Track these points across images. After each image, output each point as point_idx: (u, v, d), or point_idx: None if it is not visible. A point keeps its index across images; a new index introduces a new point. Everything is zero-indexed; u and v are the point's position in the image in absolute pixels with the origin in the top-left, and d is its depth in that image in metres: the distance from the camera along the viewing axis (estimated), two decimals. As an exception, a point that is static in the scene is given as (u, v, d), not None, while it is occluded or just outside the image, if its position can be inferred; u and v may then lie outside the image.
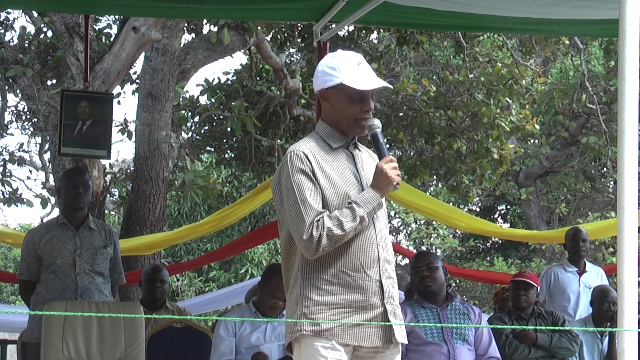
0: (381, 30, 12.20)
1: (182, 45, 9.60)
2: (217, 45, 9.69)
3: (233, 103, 10.32)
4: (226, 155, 12.25)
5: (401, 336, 3.37)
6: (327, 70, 3.39)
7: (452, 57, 13.61)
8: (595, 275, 7.39)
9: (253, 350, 5.20)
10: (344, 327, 3.27)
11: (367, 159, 3.49)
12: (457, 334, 5.12)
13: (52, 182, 12.14)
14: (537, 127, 12.29)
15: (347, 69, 3.36)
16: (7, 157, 11.90)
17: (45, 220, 14.64)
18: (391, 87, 3.44)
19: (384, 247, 3.37)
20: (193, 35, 10.72)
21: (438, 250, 19.63)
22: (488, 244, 21.13)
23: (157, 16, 7.07)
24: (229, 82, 11.43)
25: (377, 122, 3.38)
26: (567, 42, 12.61)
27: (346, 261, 3.30)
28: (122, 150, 64.07)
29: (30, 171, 16.40)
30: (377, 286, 3.32)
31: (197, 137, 11.84)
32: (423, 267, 5.20)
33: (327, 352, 3.27)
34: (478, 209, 20.65)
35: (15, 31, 10.28)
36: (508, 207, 20.46)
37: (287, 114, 11.07)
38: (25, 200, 11.82)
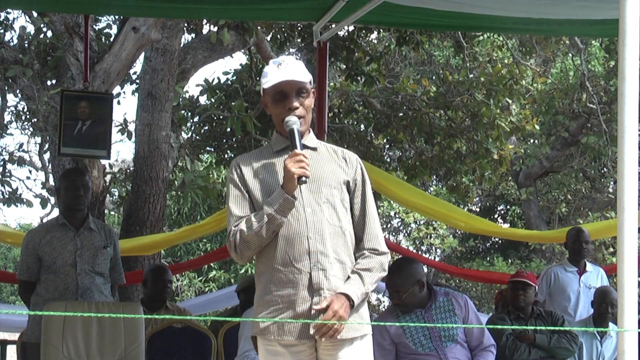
0: (381, 30, 12.20)
1: (182, 45, 9.59)
2: (217, 45, 9.69)
3: (233, 103, 10.31)
4: (226, 155, 12.24)
5: (314, 330, 3.31)
6: (261, 80, 3.50)
7: (452, 57, 13.61)
8: (595, 276, 7.39)
9: None
10: (279, 324, 3.31)
11: (320, 157, 3.49)
12: (445, 336, 5.02)
13: (52, 182, 12.13)
14: (537, 127, 12.30)
15: (269, 73, 3.43)
16: (7, 157, 11.88)
17: (45, 220, 14.64)
18: (300, 80, 3.42)
19: (318, 240, 3.35)
20: (193, 35, 10.71)
21: (438, 250, 19.62)
22: (488, 244, 21.13)
23: (157, 16, 7.06)
24: (229, 82, 11.43)
25: (293, 119, 3.40)
26: (567, 42, 12.62)
27: (277, 257, 3.35)
28: (122, 150, 64.08)
29: (30, 171, 16.42)
30: (307, 279, 3.32)
31: (197, 137, 11.83)
32: (394, 294, 5.01)
33: (268, 355, 3.37)
34: (478, 209, 20.64)
35: (15, 31, 10.27)
36: (508, 207, 20.46)
37: (287, 114, 11.04)
38: (25, 200, 11.81)
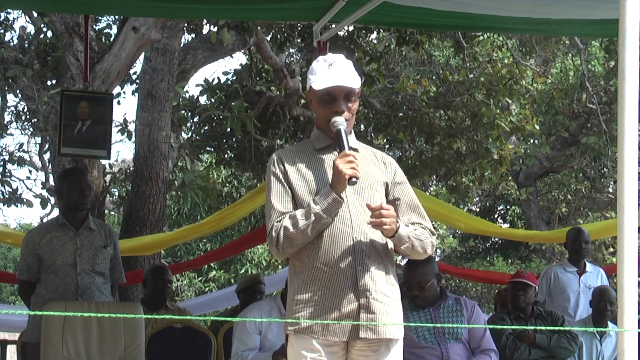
0: (381, 30, 12.20)
1: (182, 45, 9.59)
2: (217, 45, 9.69)
3: (233, 103, 10.31)
4: (226, 156, 12.24)
5: (369, 331, 3.30)
6: (308, 75, 3.47)
7: (452, 57, 13.61)
8: (595, 276, 7.39)
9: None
10: (323, 323, 3.28)
11: (362, 158, 3.46)
12: (449, 333, 5.11)
13: (52, 182, 12.14)
14: (537, 127, 12.30)
15: (319, 72, 3.40)
16: (7, 157, 11.88)
17: (45, 220, 14.63)
18: (350, 85, 3.41)
19: (363, 241, 3.33)
20: (193, 35, 10.71)
21: (438, 250, 19.61)
22: (488, 244, 21.13)
23: (157, 16, 7.06)
24: (229, 82, 11.43)
25: (340, 120, 3.38)
26: (567, 42, 12.62)
27: (321, 256, 3.31)
28: (122, 150, 64.08)
29: (30, 171, 16.40)
30: (352, 280, 3.30)
31: (197, 137, 11.83)
32: (414, 286, 5.10)
33: (306, 353, 3.31)
34: (478, 209, 20.64)
35: (15, 31, 10.27)
36: (508, 207, 20.46)
37: (286, 114, 11.06)
38: (25, 200, 11.80)
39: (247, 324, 5.19)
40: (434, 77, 13.15)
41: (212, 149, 12.29)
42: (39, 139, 13.28)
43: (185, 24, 9.73)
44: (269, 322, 5.17)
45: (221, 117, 11.08)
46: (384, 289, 3.35)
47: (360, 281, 3.30)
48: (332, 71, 3.38)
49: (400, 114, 11.49)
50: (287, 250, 3.33)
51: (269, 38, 10.50)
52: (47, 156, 13.11)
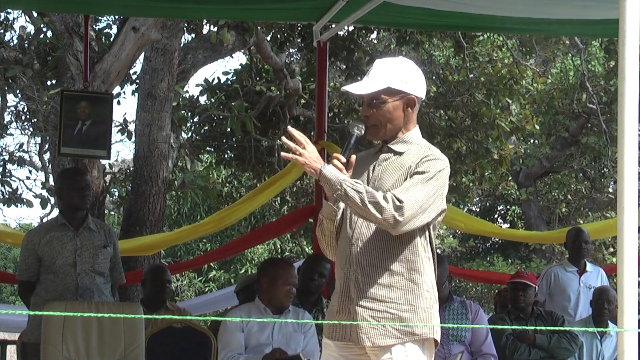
0: (381, 30, 12.21)
1: (182, 45, 9.59)
2: (217, 45, 9.69)
3: (233, 103, 10.31)
4: (226, 156, 12.24)
5: (351, 336, 3.34)
6: None
7: (452, 57, 13.61)
8: (595, 276, 7.39)
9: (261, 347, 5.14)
10: (330, 323, 3.39)
11: (396, 162, 3.38)
12: (452, 335, 5.14)
13: (52, 182, 12.14)
14: (537, 127, 12.31)
15: None
16: (7, 157, 11.88)
17: (45, 220, 14.63)
18: (361, 93, 3.36)
19: (361, 247, 3.32)
20: (193, 35, 10.71)
21: (438, 250, 19.61)
22: (488, 244, 21.13)
23: (157, 16, 7.07)
24: (229, 82, 11.43)
25: (358, 126, 3.38)
26: (567, 42, 12.62)
27: (337, 259, 3.46)
28: (122, 150, 64.07)
29: (30, 171, 16.37)
30: (346, 283, 3.35)
31: (197, 137, 11.84)
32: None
33: (323, 348, 3.50)
34: (478, 209, 20.64)
35: (15, 31, 10.28)
36: (508, 207, 20.45)
37: (286, 114, 11.06)
38: (25, 200, 11.80)
39: (229, 324, 5.20)
40: (434, 77, 13.14)
41: (212, 149, 12.29)
42: (39, 139, 13.28)
43: (185, 24, 9.73)
44: (249, 321, 5.19)
45: (221, 117, 11.08)
46: (377, 295, 3.30)
47: (351, 285, 3.34)
48: (365, 77, 3.41)
49: (400, 114, 11.47)
50: (324, 249, 3.52)
51: (269, 38, 10.51)
52: (47, 156, 13.11)
